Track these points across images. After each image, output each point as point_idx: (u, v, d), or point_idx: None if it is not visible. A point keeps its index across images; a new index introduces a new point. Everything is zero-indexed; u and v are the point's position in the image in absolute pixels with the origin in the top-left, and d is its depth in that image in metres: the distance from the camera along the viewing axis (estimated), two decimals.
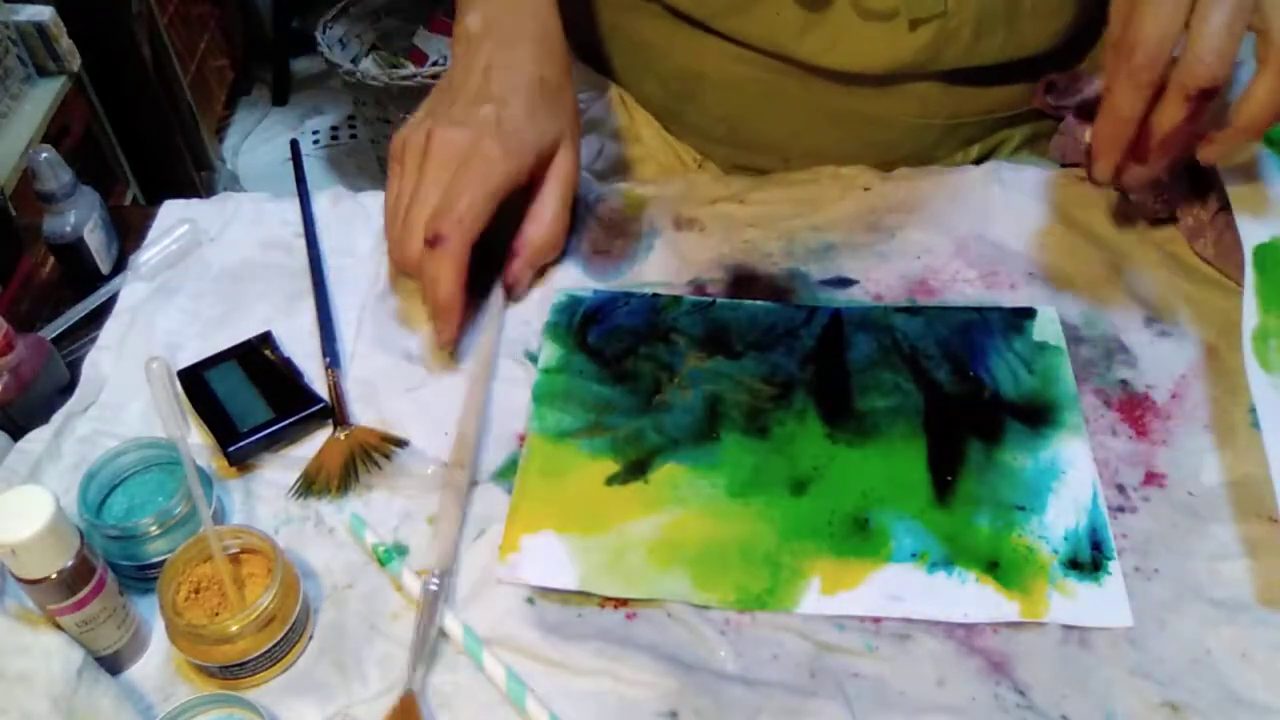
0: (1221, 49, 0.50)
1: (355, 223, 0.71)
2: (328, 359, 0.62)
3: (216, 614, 0.49)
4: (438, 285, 0.59)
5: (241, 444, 0.57)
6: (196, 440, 0.59)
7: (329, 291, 0.67)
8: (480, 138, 0.60)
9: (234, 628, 0.47)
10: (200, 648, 0.47)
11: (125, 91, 1.55)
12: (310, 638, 0.50)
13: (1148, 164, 0.57)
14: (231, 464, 0.56)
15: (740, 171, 0.78)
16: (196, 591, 0.50)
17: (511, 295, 0.65)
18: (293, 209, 0.72)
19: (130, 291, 0.68)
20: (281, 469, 0.58)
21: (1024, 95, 0.74)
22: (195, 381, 0.61)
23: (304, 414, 0.58)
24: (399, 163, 0.63)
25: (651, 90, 0.79)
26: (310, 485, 0.56)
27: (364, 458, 0.57)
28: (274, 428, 0.58)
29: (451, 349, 0.62)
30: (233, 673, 0.48)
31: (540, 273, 0.67)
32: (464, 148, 0.60)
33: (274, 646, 0.48)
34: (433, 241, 0.58)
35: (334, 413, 0.59)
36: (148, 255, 0.69)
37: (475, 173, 0.59)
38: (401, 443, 0.57)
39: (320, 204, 0.73)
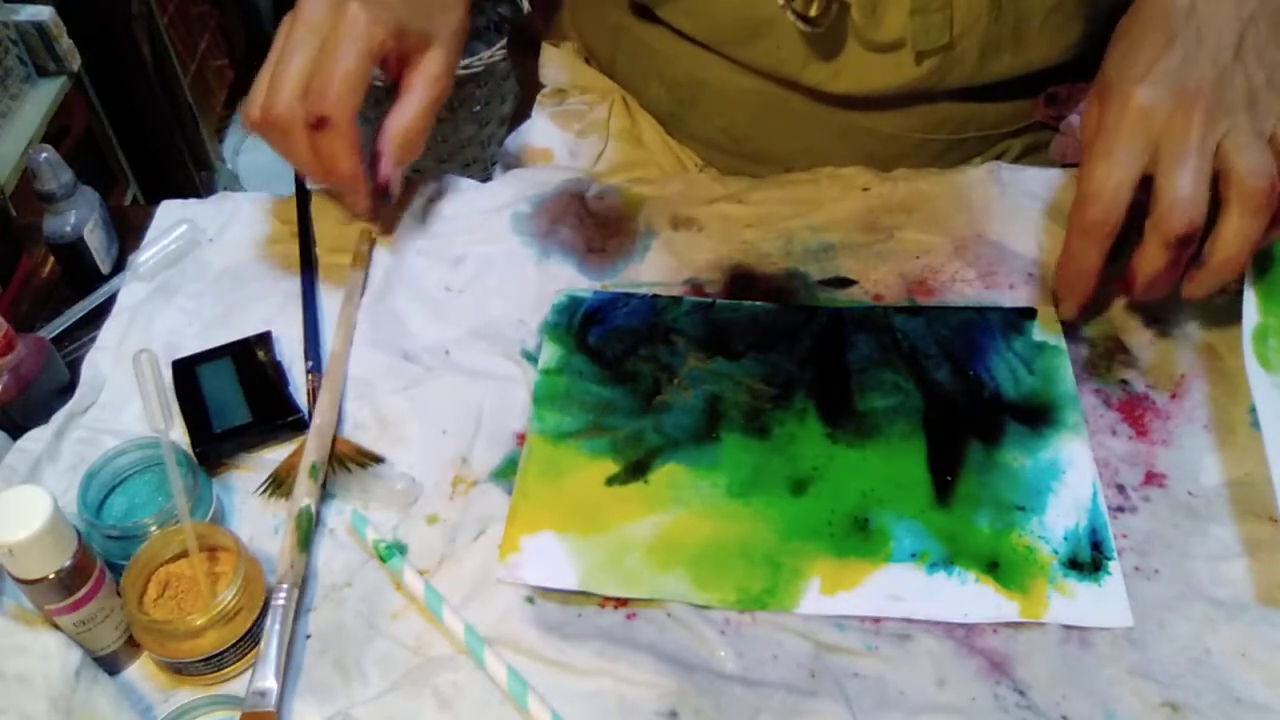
0: (1193, 198, 0.52)
1: (353, 222, 0.71)
2: (309, 363, 0.62)
3: (186, 613, 0.48)
4: (336, 161, 0.60)
5: (211, 445, 0.57)
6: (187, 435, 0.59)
7: (319, 293, 0.67)
8: (346, 2, 0.59)
9: (199, 621, 0.47)
10: (168, 644, 0.47)
11: (125, 91, 1.54)
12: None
13: (1138, 297, 0.58)
14: (201, 463, 0.56)
15: (742, 183, 0.78)
16: (164, 589, 0.50)
17: (387, 196, 0.66)
18: (291, 208, 0.72)
19: (129, 292, 0.68)
20: None
21: (1030, 108, 0.75)
22: (187, 375, 0.61)
23: (277, 423, 0.58)
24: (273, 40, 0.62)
25: (655, 94, 0.79)
26: (278, 485, 0.56)
27: (336, 465, 0.56)
28: (246, 434, 0.58)
29: (373, 218, 0.65)
30: (197, 669, 0.48)
31: (536, 271, 0.67)
32: (328, 10, 0.59)
33: (239, 642, 0.48)
34: (318, 125, 0.59)
35: (309, 420, 0.58)
36: (146, 255, 0.69)
37: (344, 39, 0.59)
38: (377, 459, 0.57)
39: (317, 204, 0.73)
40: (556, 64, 0.83)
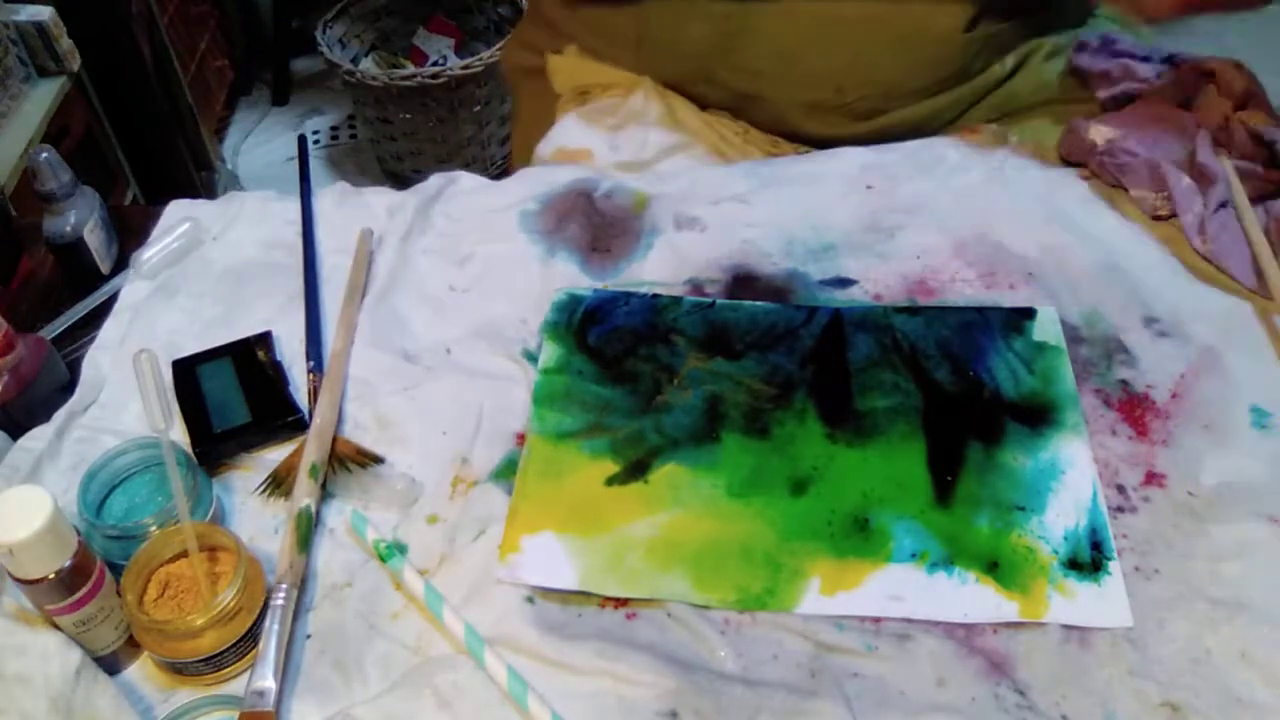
0: None
1: (359, 221, 0.71)
2: (311, 362, 0.62)
3: (186, 613, 0.48)
4: None
5: (211, 445, 0.57)
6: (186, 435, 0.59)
7: (321, 293, 0.67)
8: None
9: (199, 621, 0.47)
10: (168, 644, 0.47)
11: (125, 91, 1.54)
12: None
13: None
14: (201, 463, 0.56)
15: (794, 109, 0.78)
16: (164, 589, 0.50)
17: None
18: (297, 208, 0.72)
19: (131, 290, 0.68)
20: None
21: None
22: (187, 375, 0.61)
23: (277, 423, 0.58)
24: None
25: (698, 37, 0.77)
26: (278, 485, 0.56)
27: (336, 465, 0.56)
28: (246, 434, 0.58)
29: None
30: (197, 669, 0.48)
31: (540, 270, 0.67)
32: None
33: (239, 642, 0.48)
34: None
35: (309, 420, 0.58)
36: (150, 253, 0.69)
37: None
38: (377, 459, 0.57)
39: (324, 201, 0.73)
40: (567, 70, 0.83)
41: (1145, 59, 0.74)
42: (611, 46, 0.82)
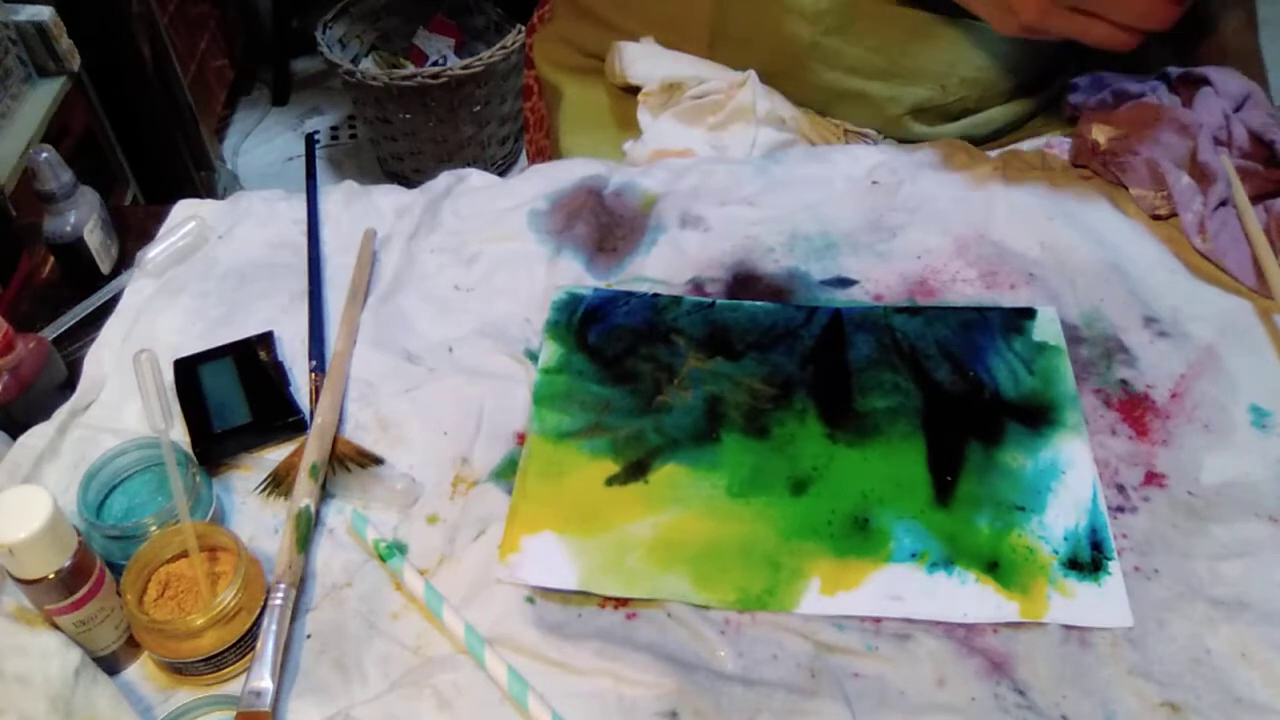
0: None
1: (367, 220, 0.71)
2: (313, 362, 0.62)
3: (186, 613, 0.48)
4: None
5: (211, 445, 0.57)
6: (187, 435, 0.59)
7: (325, 293, 0.66)
8: None
9: (199, 621, 0.47)
10: (168, 644, 0.47)
11: (125, 91, 1.54)
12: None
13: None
14: (201, 463, 0.56)
15: (895, 106, 0.78)
16: (164, 589, 0.50)
17: None
18: (304, 207, 0.72)
19: (135, 288, 0.68)
20: None
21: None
22: (189, 374, 0.61)
23: (277, 423, 0.58)
24: None
25: (790, 31, 0.75)
26: (278, 485, 0.56)
27: (336, 465, 0.56)
28: (246, 434, 0.58)
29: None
30: (197, 669, 0.48)
31: (545, 269, 0.67)
32: None
33: (239, 642, 0.48)
34: None
35: (309, 421, 0.58)
36: (155, 251, 0.69)
37: None
38: (378, 460, 0.57)
39: (332, 201, 0.73)
40: (648, 59, 0.79)
41: (1137, 84, 0.74)
42: (677, 39, 0.80)
